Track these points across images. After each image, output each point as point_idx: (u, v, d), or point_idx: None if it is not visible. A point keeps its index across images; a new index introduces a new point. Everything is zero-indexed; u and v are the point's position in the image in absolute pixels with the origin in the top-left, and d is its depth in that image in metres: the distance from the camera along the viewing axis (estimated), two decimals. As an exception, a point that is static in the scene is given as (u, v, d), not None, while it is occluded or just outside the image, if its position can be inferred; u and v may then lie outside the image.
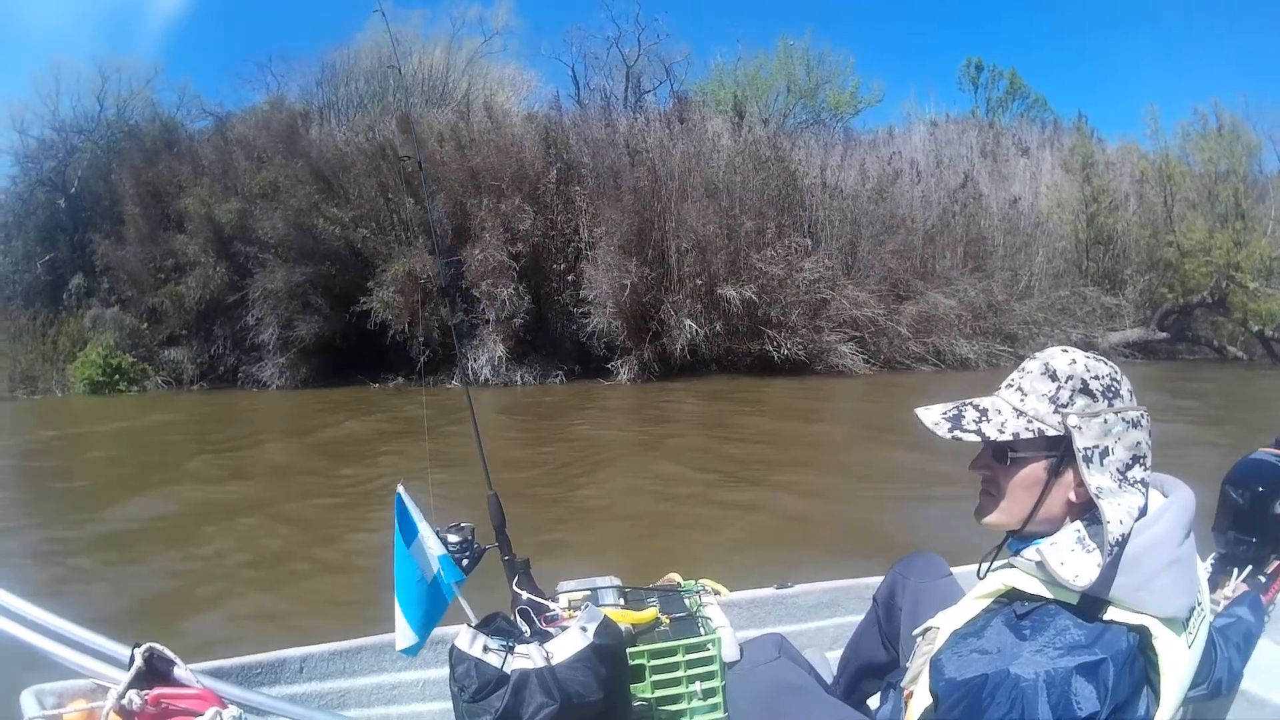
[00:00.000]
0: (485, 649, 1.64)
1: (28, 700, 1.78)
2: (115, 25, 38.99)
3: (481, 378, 17.20)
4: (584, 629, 1.68)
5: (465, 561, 2.15)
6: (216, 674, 2.02)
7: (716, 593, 2.36)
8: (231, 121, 21.22)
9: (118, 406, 16.87)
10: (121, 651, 1.79)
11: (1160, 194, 20.96)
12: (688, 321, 17.31)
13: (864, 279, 18.77)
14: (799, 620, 2.71)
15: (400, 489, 2.09)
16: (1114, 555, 1.17)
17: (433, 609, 2.07)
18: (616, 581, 2.32)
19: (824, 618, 2.73)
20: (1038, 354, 1.30)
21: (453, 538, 2.16)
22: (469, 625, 1.75)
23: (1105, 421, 1.22)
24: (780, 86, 23.60)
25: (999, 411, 1.27)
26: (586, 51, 24.33)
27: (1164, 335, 20.85)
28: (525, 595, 2.05)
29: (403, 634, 2.06)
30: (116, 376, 18.68)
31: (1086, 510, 1.24)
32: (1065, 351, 1.28)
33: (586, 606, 1.86)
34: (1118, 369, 1.26)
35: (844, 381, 17.04)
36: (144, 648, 1.73)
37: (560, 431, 11.98)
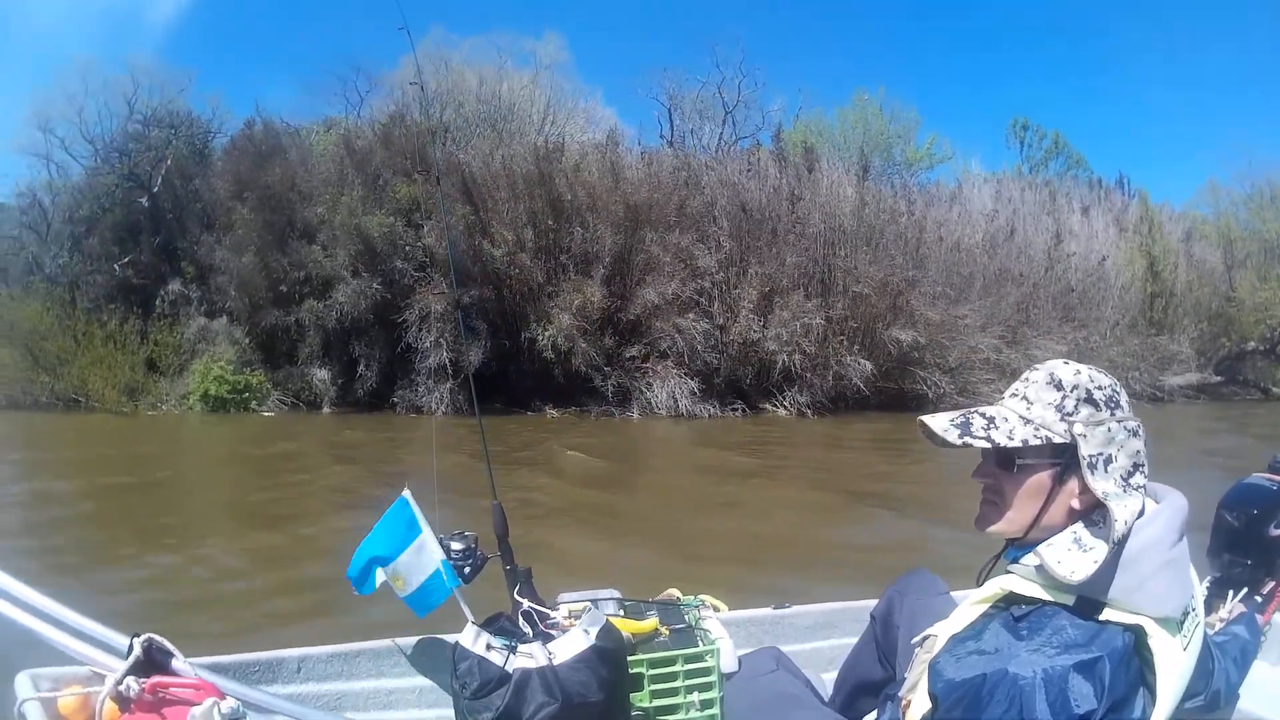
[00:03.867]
0: (488, 647, 1.70)
1: (23, 683, 1.79)
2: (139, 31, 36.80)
3: (660, 410, 17.04)
4: (586, 631, 1.73)
5: (468, 569, 2.27)
6: (215, 669, 2.05)
7: (715, 609, 2.47)
8: (348, 133, 20.01)
9: (278, 427, 15.65)
10: (120, 640, 1.81)
11: (1216, 253, 23.44)
12: (863, 361, 17.82)
13: (990, 327, 19.88)
14: (796, 640, 2.75)
15: (407, 492, 2.24)
16: (1112, 555, 1.22)
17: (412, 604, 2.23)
18: (616, 594, 2.40)
19: (820, 638, 2.78)
20: (1039, 365, 1.36)
21: (456, 545, 2.27)
22: (473, 623, 1.81)
23: (1109, 430, 1.27)
24: (856, 140, 24.49)
25: (1006, 419, 1.31)
26: (673, 93, 24.53)
27: (1219, 378, 23.17)
28: (526, 604, 2.10)
29: (356, 565, 2.23)
30: (246, 394, 17.26)
31: (1085, 516, 1.29)
32: (1068, 363, 1.33)
33: (589, 610, 1.92)
34: (1117, 381, 1.33)
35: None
36: (143, 637, 1.77)
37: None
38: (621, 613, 2.28)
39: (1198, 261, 24.29)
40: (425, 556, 2.20)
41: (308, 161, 19.15)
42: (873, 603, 2.27)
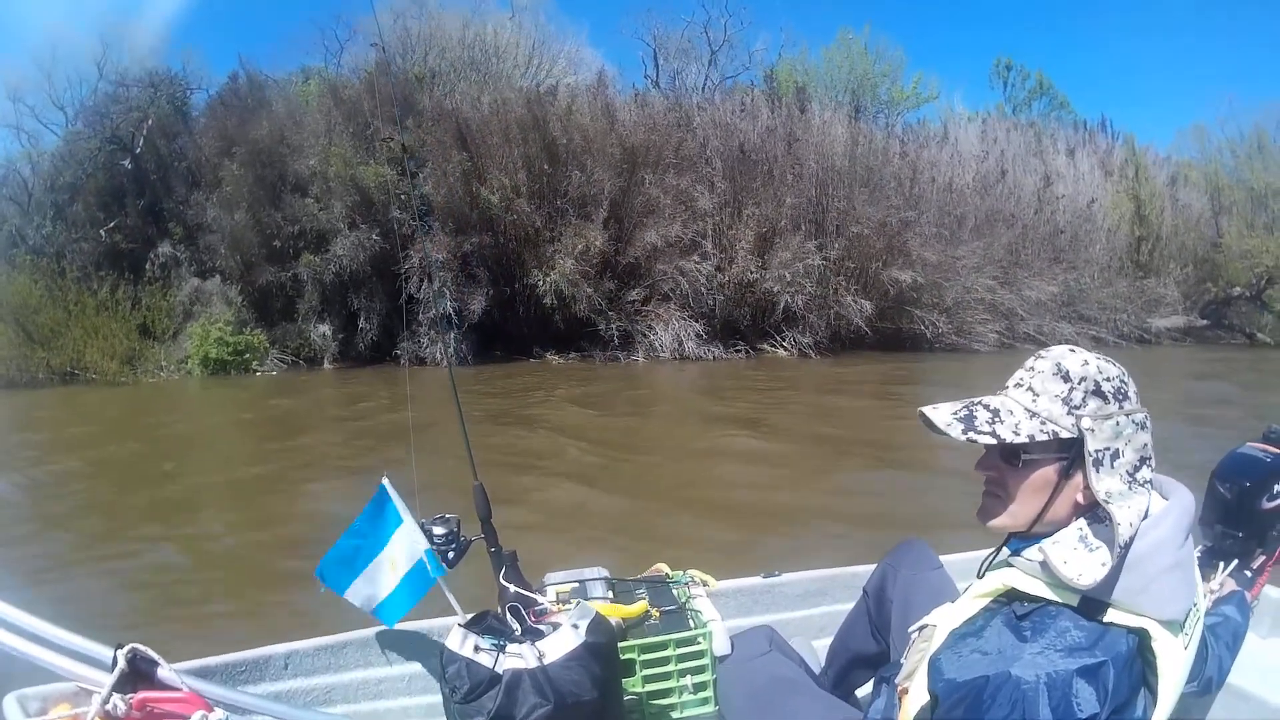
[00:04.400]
0: (476, 649, 1.65)
1: (10, 706, 1.76)
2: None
3: (664, 353, 17.01)
4: (575, 627, 1.69)
5: (451, 554, 2.21)
6: (201, 673, 2.05)
7: (705, 584, 2.41)
8: (334, 84, 19.71)
9: (283, 387, 15.44)
10: (104, 653, 1.76)
11: (1203, 198, 23.73)
12: (863, 301, 17.87)
13: (984, 267, 19.99)
14: (787, 609, 2.73)
15: (385, 480, 2.19)
16: (1120, 557, 1.19)
17: (406, 590, 2.19)
18: (604, 573, 2.36)
19: (811, 606, 2.75)
20: (1045, 353, 1.31)
21: (438, 530, 2.22)
22: (459, 625, 1.75)
23: (1117, 424, 1.23)
24: (842, 80, 24.48)
25: (1011, 412, 1.27)
26: (658, 34, 24.41)
27: (1204, 322, 23.45)
28: (512, 588, 2.10)
29: (328, 569, 2.21)
30: (247, 355, 16.99)
31: (1090, 510, 1.25)
32: (1074, 352, 1.29)
33: (578, 604, 1.91)
34: (1125, 370, 1.28)
35: (984, 357, 18.06)
36: (126, 649, 1.71)
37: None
38: (610, 595, 2.24)
39: (1183, 206, 24.51)
40: (409, 546, 2.15)
41: (295, 114, 18.83)
42: (863, 568, 2.27)
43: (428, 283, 16.58)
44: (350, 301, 17.36)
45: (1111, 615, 1.18)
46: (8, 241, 20.23)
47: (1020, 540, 1.29)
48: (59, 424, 12.67)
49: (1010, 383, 1.32)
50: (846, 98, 21.99)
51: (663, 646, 2.07)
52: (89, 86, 21.10)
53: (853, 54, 24.01)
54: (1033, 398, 1.27)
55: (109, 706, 1.64)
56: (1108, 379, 1.24)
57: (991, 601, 1.27)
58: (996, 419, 1.26)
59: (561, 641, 1.66)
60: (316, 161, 17.65)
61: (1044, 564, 1.21)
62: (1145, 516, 1.23)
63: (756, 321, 18.27)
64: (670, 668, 2.08)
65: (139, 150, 19.39)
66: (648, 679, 2.06)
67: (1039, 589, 1.22)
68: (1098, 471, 1.21)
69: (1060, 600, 1.20)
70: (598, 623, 1.73)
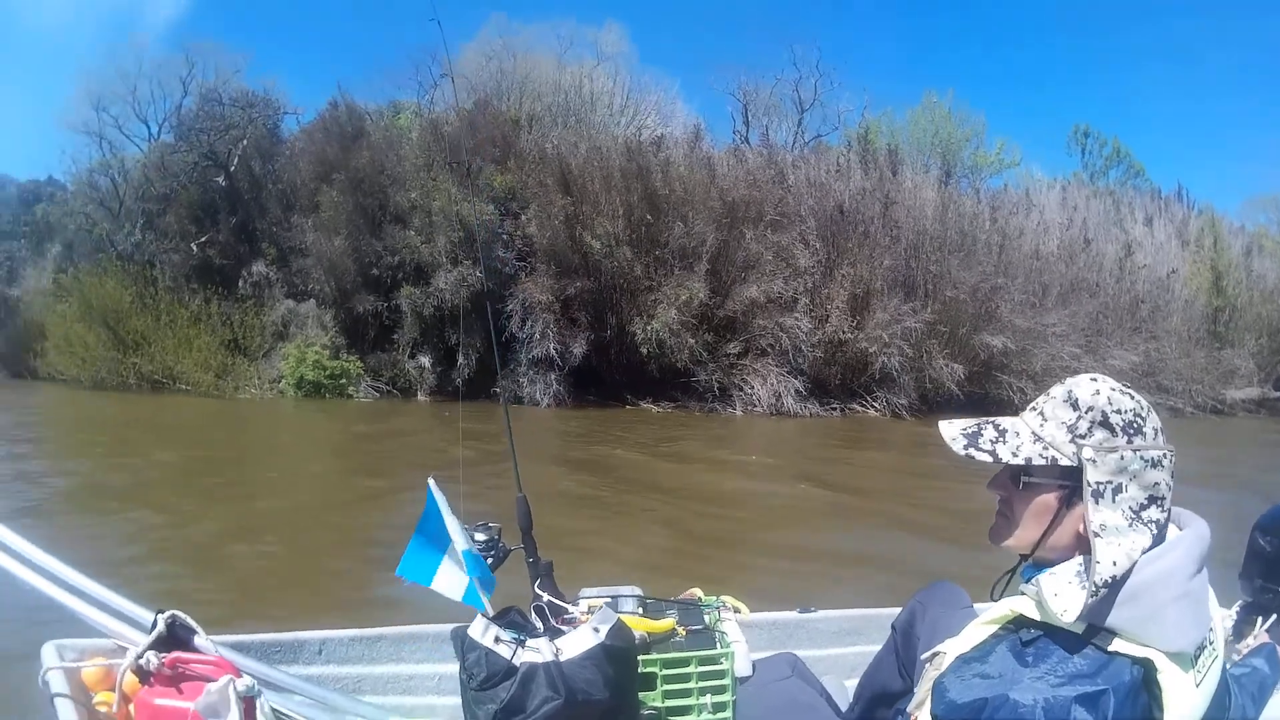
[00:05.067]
0: (496, 639, 1.71)
1: (48, 652, 1.88)
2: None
3: (761, 407, 16.98)
4: (596, 629, 1.74)
5: (490, 561, 2.26)
6: (236, 647, 2.12)
7: (736, 610, 2.46)
8: (435, 119, 19.74)
9: (382, 413, 15.43)
10: (146, 616, 1.90)
11: (1277, 267, 23.72)
12: (955, 365, 17.86)
13: (1070, 335, 19.98)
14: (819, 645, 2.73)
15: (431, 481, 2.23)
16: (1108, 592, 1.16)
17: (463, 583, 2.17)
18: (638, 591, 2.40)
19: (844, 645, 2.75)
20: (1067, 379, 1.29)
21: (480, 536, 2.28)
22: (482, 615, 1.81)
23: (1122, 458, 1.20)
24: (926, 142, 24.51)
25: (1017, 434, 1.26)
26: (747, 90, 24.49)
27: (1278, 394, 23.44)
28: (546, 597, 2.16)
29: (409, 564, 2.19)
30: (343, 380, 16.99)
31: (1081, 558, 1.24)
32: (1093, 380, 1.25)
33: (602, 608, 1.92)
34: (1145, 404, 1.24)
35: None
36: (167, 614, 1.84)
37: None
38: (640, 610, 2.27)
39: (1258, 277, 24.54)
40: (451, 547, 2.17)
41: (394, 145, 18.83)
42: (898, 610, 2.26)
43: (530, 323, 16.64)
44: (448, 336, 17.33)
45: (1117, 645, 1.16)
46: (94, 245, 20.29)
47: (1031, 567, 1.29)
48: (183, 430, 12.95)
49: (1029, 405, 1.31)
50: (935, 161, 21.93)
51: (685, 663, 2.09)
52: (173, 102, 21.26)
53: (937, 117, 24.06)
54: (1040, 422, 1.26)
55: (142, 661, 1.75)
56: (1119, 411, 1.21)
57: (1000, 628, 1.27)
58: (1001, 439, 1.25)
59: (579, 640, 1.70)
60: (418, 194, 17.64)
61: (1038, 594, 1.21)
62: (1155, 547, 1.20)
63: (846, 381, 18.23)
64: (691, 685, 2.09)
65: (233, 168, 19.42)
66: (668, 694, 2.08)
67: (1045, 615, 1.21)
68: (1096, 504, 1.19)
69: (1065, 627, 1.18)
70: (618, 628, 1.76)
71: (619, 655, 1.73)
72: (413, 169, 18.07)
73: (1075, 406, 1.23)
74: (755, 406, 17.04)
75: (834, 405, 17.70)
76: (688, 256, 17.62)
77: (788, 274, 17.68)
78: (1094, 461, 1.19)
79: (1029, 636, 1.22)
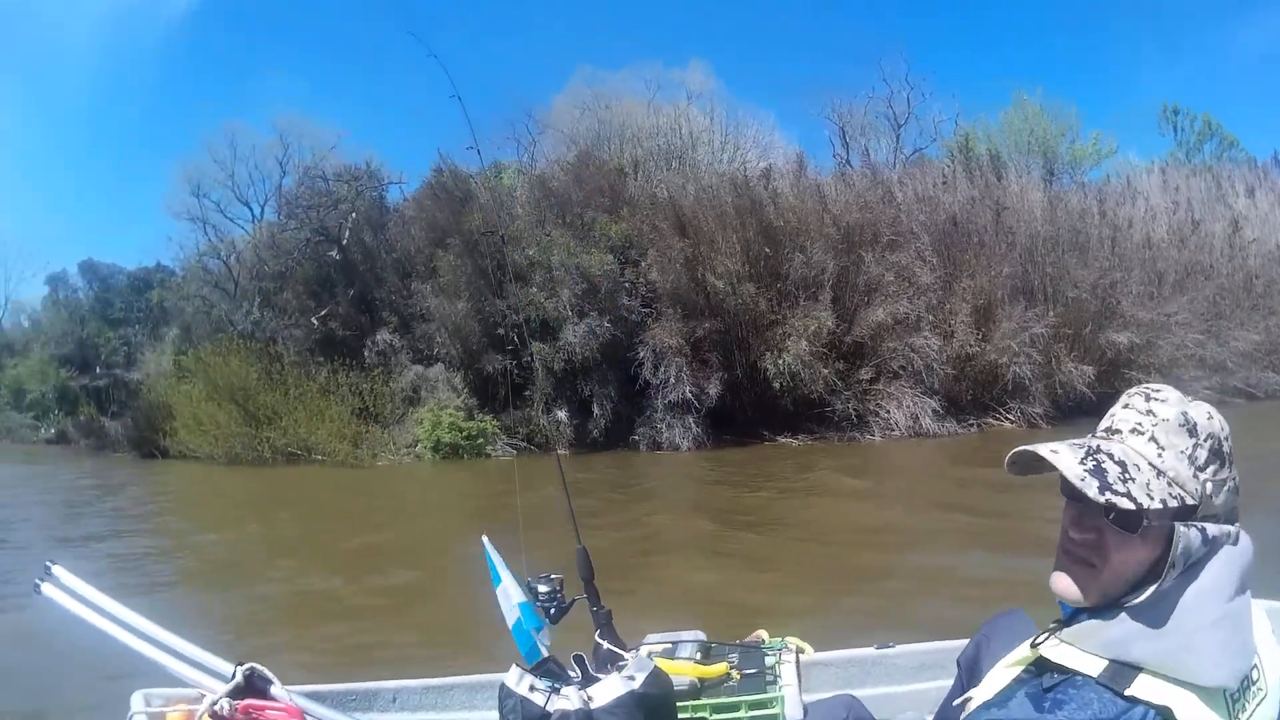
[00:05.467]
0: (531, 688, 1.75)
1: (136, 699, 2.07)
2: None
3: (899, 430, 16.89)
4: (631, 677, 1.75)
5: (553, 610, 2.31)
6: (313, 697, 2.27)
7: (801, 650, 2.40)
8: (542, 175, 19.96)
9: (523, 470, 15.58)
10: (228, 668, 2.07)
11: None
12: (1085, 367, 17.64)
13: (1192, 322, 19.64)
14: (897, 682, 2.60)
15: (485, 539, 2.33)
16: (1135, 619, 1.06)
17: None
18: (701, 636, 2.40)
19: (925, 680, 2.58)
20: (1160, 396, 1.15)
21: (542, 588, 2.33)
22: (517, 665, 1.86)
23: (1228, 490, 1.09)
24: (1021, 143, 24.14)
25: (1138, 468, 1.10)
26: (840, 112, 24.47)
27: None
28: (605, 645, 2.22)
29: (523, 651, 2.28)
30: (480, 440, 17.22)
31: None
32: (1195, 401, 1.13)
33: (636, 656, 1.99)
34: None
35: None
36: (245, 666, 2.02)
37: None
38: (697, 656, 2.26)
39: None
40: (511, 601, 2.27)
41: (504, 204, 19.06)
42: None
43: (663, 368, 16.74)
44: (580, 388, 17.46)
45: (1139, 685, 1.02)
46: (213, 326, 20.77)
47: (1089, 613, 1.13)
48: (335, 498, 13.70)
49: (1124, 426, 1.15)
50: (1036, 161, 21.69)
51: (735, 708, 2.07)
52: (272, 182, 21.79)
53: (1029, 116, 23.76)
54: (1157, 451, 1.10)
55: (217, 707, 1.92)
56: (1227, 436, 1.10)
57: (1023, 671, 1.18)
58: (1127, 475, 1.08)
59: (609, 689, 1.71)
60: (535, 250, 17.81)
61: (1117, 613, 1.08)
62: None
63: (977, 395, 18.08)
64: None
65: (345, 241, 19.76)
66: None
67: (1067, 657, 1.09)
68: (1187, 531, 1.06)
69: (1086, 670, 1.07)
70: (654, 676, 1.78)
71: (651, 703, 1.73)
72: (526, 226, 18.24)
73: (1192, 432, 1.09)
74: (893, 430, 16.96)
75: (969, 421, 17.57)
76: (809, 286, 17.59)
77: (911, 293, 17.58)
78: (1212, 499, 1.08)
79: (1050, 682, 1.10)
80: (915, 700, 2.51)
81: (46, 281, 33.45)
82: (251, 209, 22.61)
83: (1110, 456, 1.10)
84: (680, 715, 1.98)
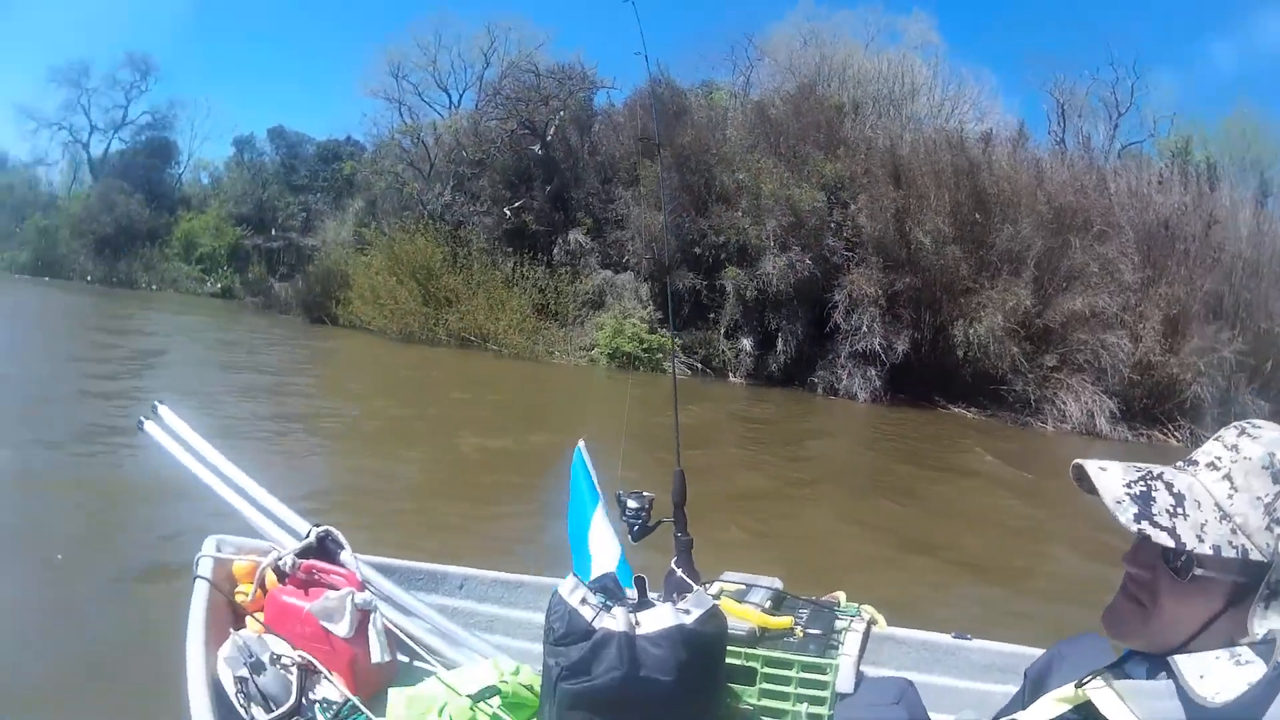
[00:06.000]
0: (583, 601, 1.68)
1: (208, 543, 2.18)
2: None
3: (1071, 425, 16.65)
4: (686, 610, 1.68)
5: (636, 528, 2.27)
6: (381, 569, 2.31)
7: (874, 621, 2.28)
8: (761, 102, 20.00)
9: (688, 391, 15.67)
10: (305, 528, 2.19)
11: None
12: (1261, 402, 17.10)
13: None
14: (962, 676, 2.46)
15: (581, 444, 2.32)
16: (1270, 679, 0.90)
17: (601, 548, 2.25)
18: (778, 584, 2.30)
19: (992, 681, 2.41)
20: (1254, 429, 1.01)
21: (631, 503, 2.27)
22: (572, 574, 1.78)
23: None
24: (1239, 156, 23.29)
25: (1198, 504, 0.98)
26: (1060, 89, 23.99)
27: None
28: (679, 574, 2.10)
29: (578, 564, 2.28)
30: (659, 355, 17.40)
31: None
32: None
33: (696, 591, 1.85)
34: None
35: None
36: (321, 528, 2.14)
37: None
38: (767, 604, 2.18)
39: None
40: (608, 537, 2.29)
41: (717, 125, 19.15)
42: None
43: (856, 315, 16.74)
44: (767, 321, 17.55)
45: None
46: (401, 204, 21.25)
47: (1142, 658, 1.04)
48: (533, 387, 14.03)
49: (1202, 459, 1.04)
50: (1252, 178, 21.04)
51: (787, 665, 2.01)
52: (474, 72, 22.18)
53: (1248, 129, 22.98)
54: (1229, 491, 0.98)
55: (280, 562, 2.03)
56: None
57: (1069, 711, 1.06)
58: (1180, 509, 0.98)
59: (658, 618, 1.66)
60: (745, 176, 17.88)
61: (1166, 679, 0.96)
62: None
63: (1149, 406, 17.71)
64: (789, 689, 2.01)
65: (549, 138, 20.05)
66: (765, 693, 2.01)
67: (1115, 712, 0.97)
68: (1265, 607, 0.94)
69: None
70: (710, 614, 1.72)
71: (700, 641, 1.67)
72: (738, 149, 18.32)
73: (1276, 478, 0.97)
74: (1065, 423, 16.73)
75: (1140, 430, 17.25)
76: (1012, 260, 17.41)
77: (1112, 289, 17.27)
78: None
79: None
80: (979, 700, 2.38)
81: (234, 143, 34.63)
82: (450, 95, 23.15)
83: (1169, 486, 1.01)
84: (733, 661, 1.97)
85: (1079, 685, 1.07)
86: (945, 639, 2.51)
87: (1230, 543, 0.95)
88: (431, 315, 19.04)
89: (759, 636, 2.07)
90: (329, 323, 21.43)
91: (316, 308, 22.05)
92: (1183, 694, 0.93)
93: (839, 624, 2.18)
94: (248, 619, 2.10)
